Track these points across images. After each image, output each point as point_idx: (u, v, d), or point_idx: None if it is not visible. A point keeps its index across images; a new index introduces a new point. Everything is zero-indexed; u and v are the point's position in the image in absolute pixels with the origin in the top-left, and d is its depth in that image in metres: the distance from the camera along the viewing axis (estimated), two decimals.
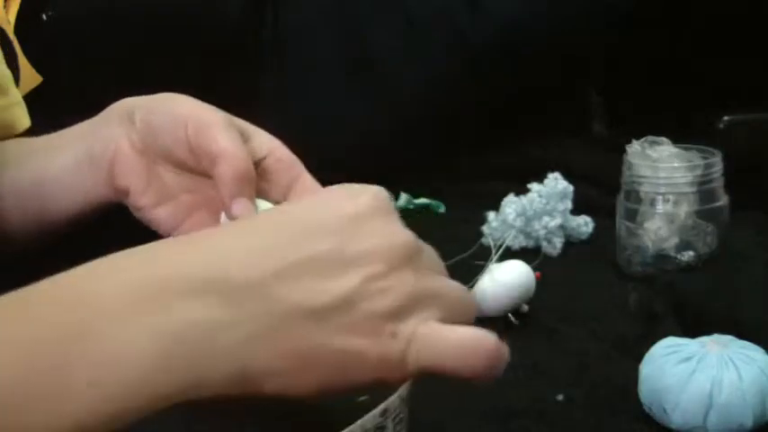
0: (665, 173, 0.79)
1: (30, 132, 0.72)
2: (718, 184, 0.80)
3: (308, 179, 0.60)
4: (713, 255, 0.79)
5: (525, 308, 0.73)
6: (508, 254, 0.81)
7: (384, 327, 0.43)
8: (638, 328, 0.70)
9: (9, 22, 0.90)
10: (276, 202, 0.59)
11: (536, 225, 0.85)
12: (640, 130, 0.82)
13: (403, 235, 0.46)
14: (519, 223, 0.85)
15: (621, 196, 0.82)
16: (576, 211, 0.88)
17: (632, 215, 0.80)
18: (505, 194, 0.88)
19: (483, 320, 0.67)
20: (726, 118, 0.90)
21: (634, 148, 0.81)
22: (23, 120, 0.73)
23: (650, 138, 0.81)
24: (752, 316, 0.70)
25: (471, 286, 0.70)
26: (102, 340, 0.39)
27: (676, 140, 0.81)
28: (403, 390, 0.45)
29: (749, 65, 0.95)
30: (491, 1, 0.96)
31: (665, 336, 0.61)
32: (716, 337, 0.59)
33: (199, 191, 0.62)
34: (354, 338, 0.43)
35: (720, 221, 0.80)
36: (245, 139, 0.59)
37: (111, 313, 0.39)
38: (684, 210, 0.79)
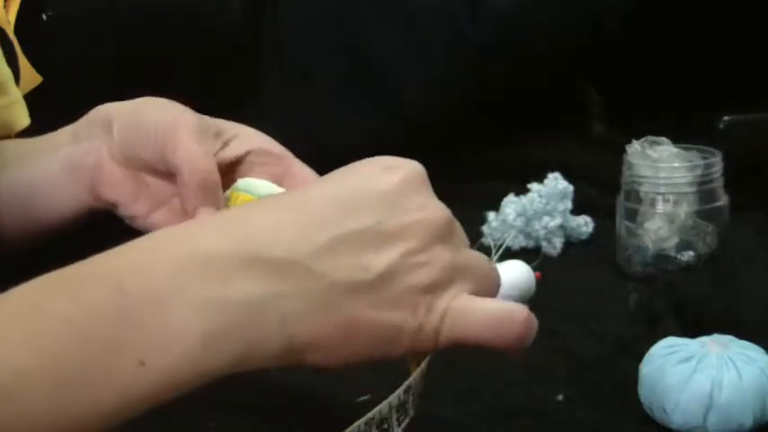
0: (665, 173, 0.79)
1: (30, 132, 0.71)
2: (718, 184, 0.80)
3: (300, 168, 0.60)
4: (713, 255, 0.79)
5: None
6: (508, 254, 0.81)
7: (421, 300, 0.45)
8: (638, 328, 0.70)
9: (9, 22, 0.90)
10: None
11: (536, 225, 0.85)
12: (640, 130, 0.82)
13: (439, 209, 0.47)
14: (519, 223, 0.85)
15: (621, 196, 0.82)
16: (576, 211, 0.88)
17: (632, 215, 0.80)
18: (505, 194, 0.88)
19: None
20: (726, 118, 0.90)
21: (634, 148, 0.81)
22: (23, 119, 0.73)
23: (650, 138, 0.81)
24: (752, 316, 0.70)
25: None
26: (150, 320, 0.39)
27: (676, 140, 0.81)
28: (424, 365, 0.47)
29: (749, 65, 0.95)
30: (491, 1, 0.96)
31: (665, 336, 0.61)
32: (716, 337, 0.59)
33: None
34: (393, 312, 0.44)
35: (720, 221, 0.80)
36: (224, 139, 0.59)
37: (157, 292, 0.40)
38: (684, 210, 0.79)
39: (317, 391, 0.63)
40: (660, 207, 0.79)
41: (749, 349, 0.58)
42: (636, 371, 0.60)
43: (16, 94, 0.74)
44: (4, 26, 0.89)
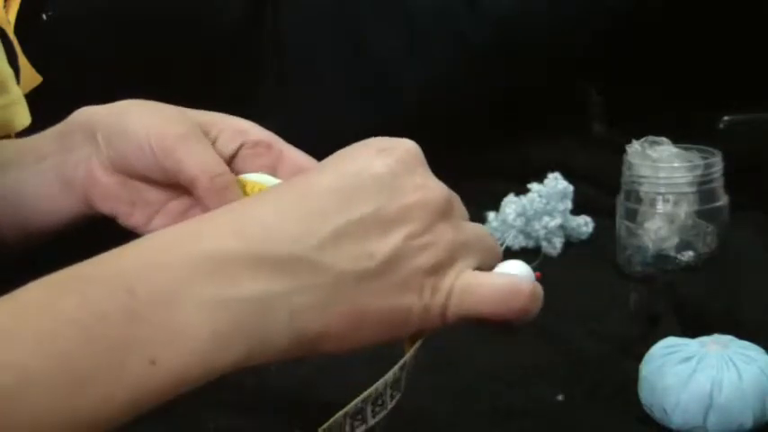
0: (665, 173, 0.79)
1: (30, 131, 0.71)
2: (718, 184, 0.80)
3: (293, 154, 0.59)
4: (713, 255, 0.79)
5: None
6: (508, 254, 0.81)
7: (426, 282, 0.45)
8: (638, 328, 0.70)
9: (9, 22, 0.90)
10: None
11: (536, 225, 0.85)
12: (640, 130, 0.82)
13: (438, 188, 0.47)
14: (519, 223, 0.85)
15: (621, 196, 0.82)
16: (576, 211, 0.88)
17: (632, 215, 0.80)
18: (505, 194, 0.88)
19: None
20: (726, 118, 0.90)
21: (634, 148, 0.81)
22: (23, 118, 0.73)
23: (650, 138, 0.81)
24: (752, 316, 0.70)
25: None
26: (159, 319, 0.40)
27: (676, 140, 0.81)
28: (419, 344, 0.47)
29: (749, 65, 0.95)
30: (491, 1, 0.96)
31: (665, 336, 0.61)
32: (716, 337, 0.59)
33: (185, 194, 0.60)
34: (400, 297, 0.44)
35: (720, 221, 0.80)
36: (212, 136, 0.58)
37: (166, 292, 0.40)
38: (684, 210, 0.79)
39: (317, 391, 0.63)
40: (660, 207, 0.79)
41: (749, 349, 0.58)
42: (636, 371, 0.60)
43: (17, 94, 0.74)
44: (4, 26, 0.89)
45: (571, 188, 0.87)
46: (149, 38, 0.97)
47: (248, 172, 0.58)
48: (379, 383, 0.45)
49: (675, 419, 0.57)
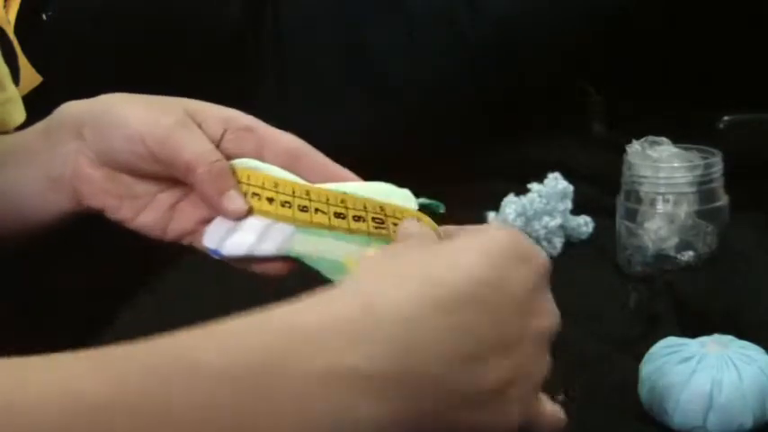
0: (665, 173, 0.79)
1: None
2: (718, 184, 0.80)
3: (276, 135, 0.59)
4: (713, 255, 0.79)
5: None
6: None
7: (514, 409, 0.45)
8: (638, 328, 0.70)
9: (9, 22, 0.90)
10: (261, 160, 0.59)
11: (536, 225, 0.85)
12: (640, 130, 0.82)
13: (555, 315, 0.47)
14: (519, 223, 0.85)
15: (621, 196, 0.82)
16: (576, 211, 0.88)
17: (632, 215, 0.80)
18: (505, 194, 0.88)
19: None
20: (726, 118, 0.90)
21: (634, 148, 0.81)
22: (18, 115, 0.73)
23: (650, 138, 0.81)
24: (752, 316, 0.70)
25: None
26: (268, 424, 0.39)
27: (676, 140, 0.81)
28: None
29: (749, 65, 0.95)
30: (491, 1, 0.96)
31: (665, 336, 0.61)
32: (716, 337, 0.59)
33: (174, 186, 0.60)
34: (487, 417, 0.44)
35: (720, 221, 0.80)
36: (197, 123, 0.58)
37: (299, 401, 0.39)
38: (684, 210, 0.79)
39: None
40: (660, 207, 0.79)
41: (749, 349, 0.58)
42: (636, 371, 0.60)
43: (12, 91, 0.74)
44: (4, 26, 0.89)
45: (571, 188, 0.86)
46: (149, 38, 0.97)
47: (233, 158, 0.58)
48: None
49: (675, 419, 0.57)
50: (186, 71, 0.96)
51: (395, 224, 0.54)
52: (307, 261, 0.56)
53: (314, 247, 0.56)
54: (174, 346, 0.40)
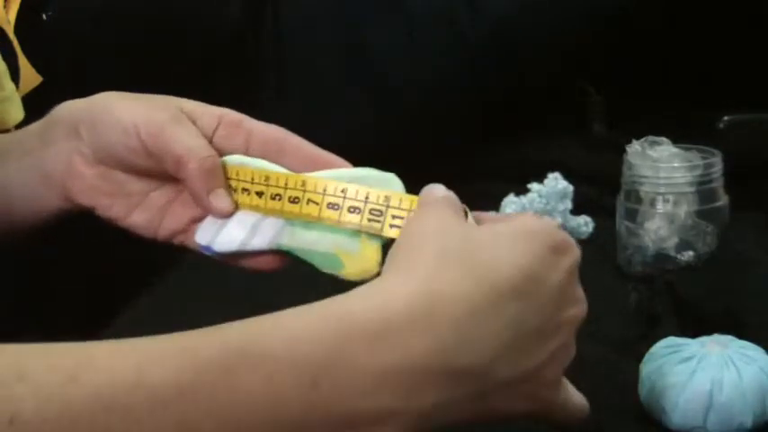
0: (665, 173, 0.79)
1: None
2: (718, 184, 0.80)
3: (261, 128, 0.59)
4: (713, 255, 0.79)
5: None
6: None
7: (546, 394, 0.47)
8: (638, 328, 0.70)
9: (9, 22, 0.90)
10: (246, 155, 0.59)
11: None
12: (640, 130, 0.82)
13: (584, 302, 0.49)
14: None
15: (621, 196, 0.82)
16: (576, 211, 0.88)
17: (632, 215, 0.80)
18: (505, 194, 0.88)
19: None
20: (726, 118, 0.90)
21: (634, 148, 0.81)
22: (16, 113, 0.73)
23: (650, 138, 0.81)
24: (752, 316, 0.70)
25: None
26: (334, 420, 0.41)
27: (676, 140, 0.81)
28: None
29: (749, 65, 0.95)
30: (491, 1, 0.96)
31: (665, 336, 0.61)
32: (716, 337, 0.59)
33: (165, 185, 0.60)
34: (523, 404, 0.46)
35: (720, 221, 0.80)
36: (192, 122, 0.59)
37: (347, 396, 0.41)
38: (684, 210, 0.79)
39: None
40: (660, 207, 0.79)
41: (749, 349, 0.58)
42: (636, 371, 0.60)
43: (11, 90, 0.74)
44: (4, 26, 0.89)
45: (571, 188, 0.86)
46: (149, 38, 0.97)
47: (225, 154, 0.59)
48: None
49: (675, 419, 0.57)
50: (186, 71, 0.96)
51: (395, 216, 0.54)
52: (299, 255, 0.56)
53: (303, 239, 0.56)
54: (238, 336, 0.41)
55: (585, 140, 1.02)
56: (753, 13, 0.94)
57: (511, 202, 0.87)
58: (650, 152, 0.80)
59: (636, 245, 0.80)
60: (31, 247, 0.65)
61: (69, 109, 0.61)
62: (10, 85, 0.73)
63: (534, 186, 0.86)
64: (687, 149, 0.80)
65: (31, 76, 0.89)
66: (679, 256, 0.79)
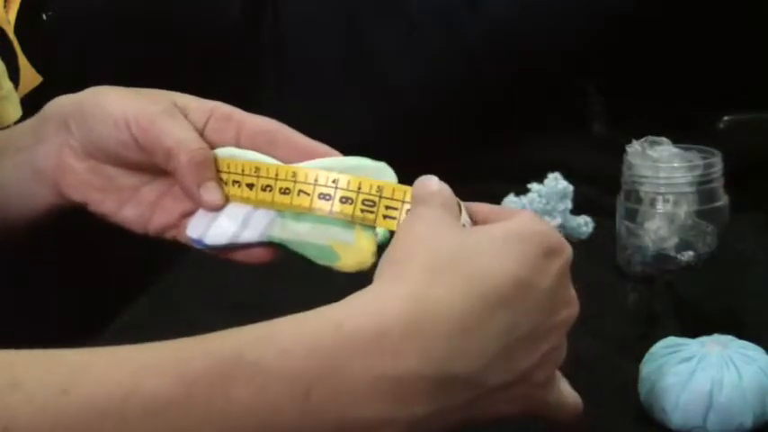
0: (665, 173, 0.79)
1: None
2: (718, 184, 0.80)
3: (252, 120, 0.59)
4: (713, 255, 0.79)
5: None
6: None
7: (539, 394, 0.47)
8: (638, 328, 0.70)
9: (9, 22, 0.90)
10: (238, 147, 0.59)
11: None
12: (640, 130, 0.82)
13: (576, 302, 0.48)
14: None
15: (621, 196, 0.82)
16: (576, 211, 0.88)
17: (632, 215, 0.80)
18: (505, 194, 0.88)
19: None
20: (726, 118, 0.90)
21: (634, 148, 0.81)
22: (14, 112, 0.73)
23: (650, 138, 0.81)
24: (752, 316, 0.70)
25: None
26: (328, 427, 0.41)
27: (676, 140, 0.81)
28: None
29: (749, 65, 0.95)
30: (491, 1, 0.96)
31: (665, 336, 0.61)
32: (716, 337, 0.59)
33: (156, 180, 0.60)
34: (515, 406, 0.46)
35: (720, 221, 0.80)
36: (184, 115, 0.58)
37: (340, 404, 0.41)
38: (684, 210, 0.79)
39: None
40: (660, 207, 0.79)
41: (749, 349, 0.58)
42: (636, 371, 0.60)
43: (8, 89, 0.74)
44: (4, 26, 0.89)
45: (571, 188, 0.86)
46: (149, 37, 0.97)
47: (216, 146, 0.58)
48: None
49: (675, 419, 0.57)
50: (186, 71, 0.96)
51: (388, 207, 0.53)
52: (292, 247, 0.56)
53: (293, 231, 0.55)
54: (230, 347, 0.41)
55: (585, 140, 1.01)
56: (753, 14, 0.94)
57: (511, 202, 0.87)
58: (650, 152, 0.80)
59: (636, 245, 0.80)
60: (29, 245, 0.64)
61: (60, 104, 0.61)
62: (8, 84, 0.73)
63: (534, 186, 0.86)
64: (687, 149, 0.80)
65: (31, 76, 0.89)
66: (679, 256, 0.79)
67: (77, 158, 0.59)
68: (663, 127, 0.83)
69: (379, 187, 0.53)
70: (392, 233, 0.52)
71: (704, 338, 0.59)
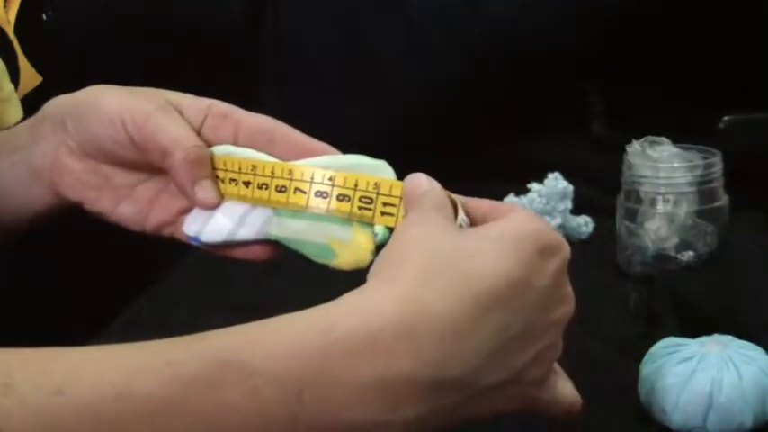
0: (665, 173, 0.79)
1: None
2: (718, 184, 0.80)
3: (250, 119, 0.58)
4: (713, 255, 0.79)
5: None
6: None
7: (532, 393, 0.47)
8: (638, 328, 0.70)
9: (9, 22, 0.90)
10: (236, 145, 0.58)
11: None
12: (640, 130, 0.82)
13: (573, 299, 0.48)
14: None
15: (621, 196, 0.82)
16: (576, 211, 0.88)
17: (632, 215, 0.80)
18: (505, 194, 0.88)
19: None
20: (726, 118, 0.90)
21: (634, 148, 0.81)
22: (13, 114, 0.73)
23: (650, 138, 0.81)
24: (752, 316, 0.70)
25: None
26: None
27: (676, 140, 0.81)
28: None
29: (749, 65, 0.95)
30: (491, 1, 0.96)
31: (665, 336, 0.61)
32: (716, 337, 0.59)
33: (153, 178, 0.60)
34: (510, 404, 0.46)
35: (720, 221, 0.80)
36: (179, 113, 0.58)
37: (332, 408, 0.41)
38: (684, 210, 0.79)
39: None
40: (660, 207, 0.79)
41: (749, 349, 0.58)
42: (636, 371, 0.60)
43: (8, 91, 0.74)
44: (4, 26, 0.89)
45: (571, 188, 0.87)
46: (149, 38, 0.97)
47: (212, 144, 0.58)
48: None
49: (675, 419, 0.57)
50: (186, 71, 0.96)
51: (386, 204, 0.53)
52: (290, 245, 0.55)
53: (290, 229, 0.55)
54: (222, 349, 0.41)
55: (585, 140, 1.02)
56: (753, 14, 0.94)
57: (511, 202, 0.87)
58: (650, 152, 0.80)
59: (636, 245, 0.80)
60: (29, 245, 0.64)
61: (57, 103, 0.60)
62: (9, 86, 0.73)
63: (534, 186, 0.86)
64: (687, 149, 0.80)
65: (31, 76, 0.89)
66: (679, 256, 0.79)
67: (74, 158, 0.59)
68: (663, 127, 0.83)
69: (376, 184, 0.53)
70: (391, 230, 0.52)
71: (704, 338, 0.59)
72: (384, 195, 0.53)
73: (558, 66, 1.00)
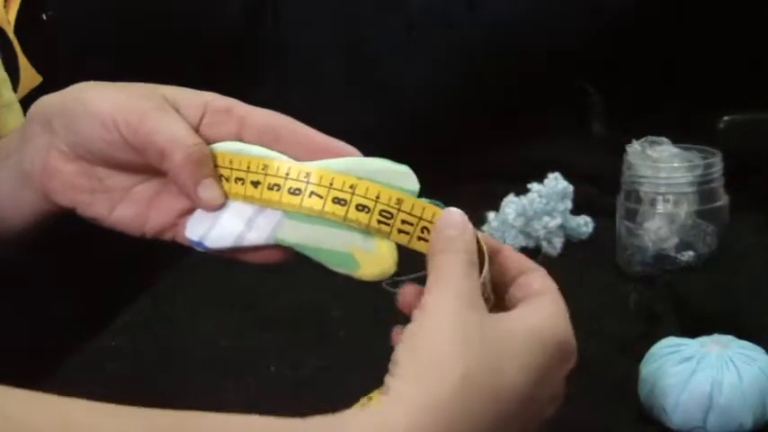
0: (665, 173, 0.79)
1: None
2: (719, 184, 0.80)
3: (256, 114, 0.55)
4: (713, 255, 0.79)
5: None
6: None
7: None
8: (638, 328, 0.70)
9: (9, 22, 0.90)
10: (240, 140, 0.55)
11: (536, 225, 0.85)
12: (640, 130, 0.82)
13: (563, 393, 0.49)
14: (519, 223, 0.85)
15: (621, 196, 0.82)
16: (576, 211, 0.88)
17: (632, 215, 0.80)
18: (505, 194, 0.88)
19: None
20: (726, 118, 0.90)
21: (634, 148, 0.81)
22: (12, 122, 0.72)
23: (650, 138, 0.81)
24: (752, 316, 0.70)
25: None
26: None
27: (676, 140, 0.81)
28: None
29: (749, 65, 0.95)
30: (491, 1, 0.96)
31: (665, 336, 0.61)
32: (716, 337, 0.59)
33: (150, 177, 0.56)
34: None
35: (720, 221, 0.80)
36: (176, 110, 0.54)
37: None
38: (684, 210, 0.79)
39: (317, 391, 0.63)
40: (660, 207, 0.79)
41: (749, 349, 0.58)
42: (636, 371, 0.60)
43: (9, 98, 0.73)
44: (4, 26, 0.89)
45: (571, 188, 0.87)
46: (149, 38, 0.97)
47: (212, 142, 0.54)
48: None
49: (675, 419, 0.57)
50: (186, 71, 0.96)
51: (404, 221, 0.50)
52: (304, 251, 0.52)
53: (305, 234, 0.52)
54: None
55: (585, 140, 1.02)
56: (753, 14, 0.94)
57: (511, 202, 0.87)
58: (650, 152, 0.80)
59: (636, 245, 0.80)
60: (28, 246, 0.64)
61: (43, 104, 0.57)
62: (9, 93, 0.73)
63: (534, 186, 0.86)
64: (687, 149, 0.80)
65: (31, 76, 0.89)
66: (679, 256, 0.79)
67: (64, 160, 0.55)
68: (663, 127, 0.83)
69: (398, 200, 0.51)
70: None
71: (704, 338, 0.59)
72: (405, 213, 0.51)
73: (558, 66, 1.00)
